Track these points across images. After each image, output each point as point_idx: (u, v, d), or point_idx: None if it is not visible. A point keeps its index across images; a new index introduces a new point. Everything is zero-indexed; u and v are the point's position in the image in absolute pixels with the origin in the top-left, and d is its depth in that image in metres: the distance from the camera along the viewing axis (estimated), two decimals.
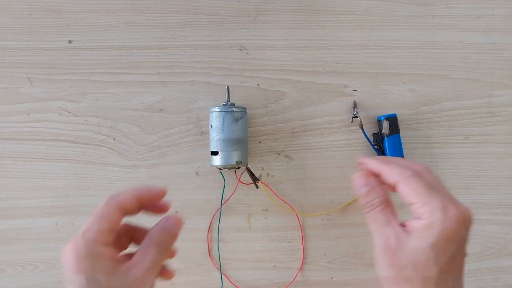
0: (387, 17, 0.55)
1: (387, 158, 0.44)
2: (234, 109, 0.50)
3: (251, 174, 0.52)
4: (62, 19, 0.53)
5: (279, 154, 0.55)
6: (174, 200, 0.54)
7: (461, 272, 0.38)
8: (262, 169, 0.55)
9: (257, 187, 0.53)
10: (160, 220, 0.39)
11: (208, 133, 0.54)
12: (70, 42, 0.54)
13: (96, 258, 0.36)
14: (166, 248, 0.39)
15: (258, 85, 0.55)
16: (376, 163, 0.42)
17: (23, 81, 0.54)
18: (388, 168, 0.40)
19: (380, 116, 0.54)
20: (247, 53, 0.54)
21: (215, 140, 0.50)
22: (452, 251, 0.36)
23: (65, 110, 0.54)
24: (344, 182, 0.56)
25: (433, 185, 0.39)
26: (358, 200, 0.43)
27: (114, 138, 0.54)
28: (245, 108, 0.51)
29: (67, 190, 0.55)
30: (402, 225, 0.38)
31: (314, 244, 0.56)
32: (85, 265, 0.36)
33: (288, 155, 0.55)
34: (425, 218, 0.36)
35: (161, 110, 0.54)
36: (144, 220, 0.39)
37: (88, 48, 0.54)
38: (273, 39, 0.54)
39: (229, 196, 0.55)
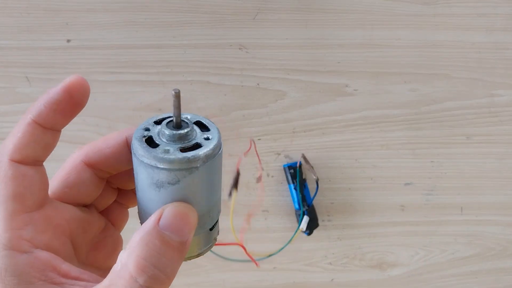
0: (388, 15, 0.54)
1: None
2: (160, 165, 0.23)
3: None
4: (60, 18, 0.53)
5: (279, 154, 0.55)
6: None
7: None
8: (262, 169, 0.55)
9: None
10: None
11: None
12: (68, 41, 0.53)
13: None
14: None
15: (258, 84, 0.54)
16: None
17: (21, 81, 0.53)
18: None
19: (287, 164, 0.53)
20: (247, 52, 0.54)
21: (138, 204, 0.26)
22: None
23: None
24: (345, 183, 0.55)
25: None
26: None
27: None
28: (202, 157, 0.23)
29: None
30: None
31: (314, 245, 0.56)
32: None
33: (288, 155, 0.55)
34: None
35: (160, 109, 0.54)
36: None
37: (87, 47, 0.53)
38: (273, 38, 0.54)
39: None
